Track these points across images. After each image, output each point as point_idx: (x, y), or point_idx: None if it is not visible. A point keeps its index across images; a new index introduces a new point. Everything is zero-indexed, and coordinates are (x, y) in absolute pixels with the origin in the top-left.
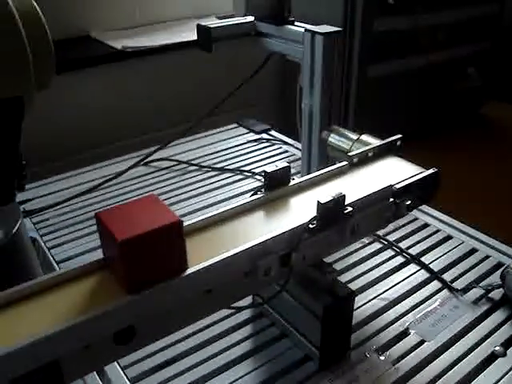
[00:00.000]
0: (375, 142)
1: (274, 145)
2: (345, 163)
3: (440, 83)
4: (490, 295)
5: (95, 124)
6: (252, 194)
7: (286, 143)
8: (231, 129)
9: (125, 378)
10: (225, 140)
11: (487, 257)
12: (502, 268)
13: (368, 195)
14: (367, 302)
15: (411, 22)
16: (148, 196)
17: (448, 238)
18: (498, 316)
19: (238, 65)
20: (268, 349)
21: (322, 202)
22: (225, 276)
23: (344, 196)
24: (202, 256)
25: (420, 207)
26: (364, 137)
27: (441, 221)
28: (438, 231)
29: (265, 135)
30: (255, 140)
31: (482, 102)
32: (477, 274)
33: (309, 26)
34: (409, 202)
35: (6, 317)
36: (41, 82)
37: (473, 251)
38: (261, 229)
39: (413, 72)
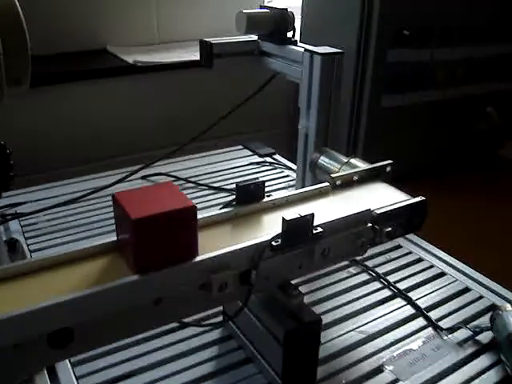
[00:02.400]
0: (364, 166)
1: (276, 168)
2: (326, 184)
3: (457, 120)
4: (477, 338)
5: (97, 137)
6: (222, 207)
7: (288, 168)
8: (236, 150)
9: None
10: (227, 160)
11: (480, 297)
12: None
13: (342, 217)
14: (343, 334)
15: (427, 54)
16: (165, 182)
17: (441, 274)
18: (483, 360)
19: (246, 85)
20: (232, 372)
21: (288, 218)
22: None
23: (313, 215)
24: None
25: (415, 241)
26: (354, 160)
27: (435, 256)
28: (431, 267)
29: (268, 159)
30: (258, 163)
31: (501, 143)
32: (467, 314)
33: (308, 47)
34: (389, 229)
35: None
36: (15, 78)
37: (466, 290)
38: (222, 243)
39: (429, 106)
